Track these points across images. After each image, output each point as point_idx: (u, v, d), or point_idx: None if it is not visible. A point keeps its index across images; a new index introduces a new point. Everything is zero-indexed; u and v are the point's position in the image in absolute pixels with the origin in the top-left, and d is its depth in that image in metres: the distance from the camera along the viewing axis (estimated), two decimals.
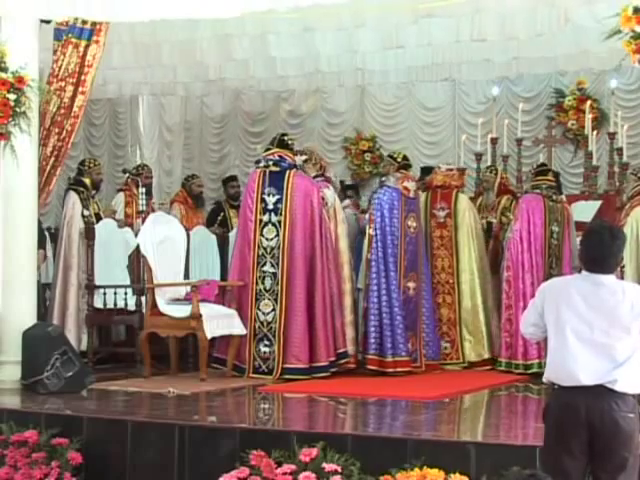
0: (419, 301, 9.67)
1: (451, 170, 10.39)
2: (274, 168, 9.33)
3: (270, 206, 9.25)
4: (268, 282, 9.22)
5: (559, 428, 4.92)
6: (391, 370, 9.24)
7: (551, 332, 5.00)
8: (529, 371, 9.44)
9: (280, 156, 9.36)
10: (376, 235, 9.38)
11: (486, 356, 9.98)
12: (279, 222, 9.23)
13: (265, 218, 9.27)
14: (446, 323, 10.03)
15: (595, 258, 4.96)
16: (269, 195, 9.27)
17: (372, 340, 9.28)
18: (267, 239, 9.24)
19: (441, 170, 10.35)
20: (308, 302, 9.14)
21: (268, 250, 9.25)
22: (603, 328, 4.86)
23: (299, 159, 9.56)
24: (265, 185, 9.30)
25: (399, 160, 9.87)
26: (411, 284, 9.54)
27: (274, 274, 9.20)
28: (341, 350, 9.25)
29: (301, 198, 9.20)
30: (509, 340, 9.61)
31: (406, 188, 9.64)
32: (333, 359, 9.17)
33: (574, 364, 4.86)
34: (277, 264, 9.21)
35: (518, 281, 9.61)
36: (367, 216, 9.64)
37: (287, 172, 9.28)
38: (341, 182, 12.23)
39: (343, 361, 9.28)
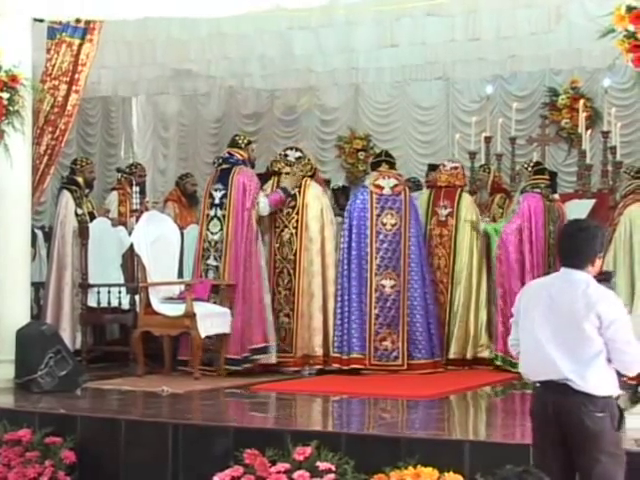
0: (401, 299, 9.52)
1: (456, 168, 10.35)
2: (224, 165, 9.62)
3: (217, 201, 9.56)
4: (211, 275, 9.46)
5: (536, 424, 4.98)
6: (345, 367, 9.22)
7: (522, 331, 5.02)
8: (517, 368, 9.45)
9: (230, 153, 9.67)
10: (343, 237, 9.47)
11: (485, 355, 9.85)
12: (223, 216, 9.50)
13: (212, 212, 9.58)
14: None
15: (563, 250, 4.97)
16: (216, 191, 9.58)
17: (335, 339, 9.32)
18: (212, 233, 9.54)
19: (445, 168, 10.29)
20: (241, 297, 9.32)
21: (212, 244, 9.53)
22: (565, 325, 4.83)
23: (292, 154, 9.72)
24: (214, 182, 9.64)
25: (372, 159, 9.98)
26: (387, 282, 9.46)
27: (217, 267, 9.44)
28: (256, 346, 9.29)
29: (240, 193, 9.45)
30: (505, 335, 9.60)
31: (378, 186, 9.60)
32: (246, 354, 9.24)
33: (541, 361, 4.86)
34: (219, 257, 9.44)
35: (511, 277, 9.60)
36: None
37: (233, 168, 9.55)
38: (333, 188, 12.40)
39: (259, 357, 9.32)
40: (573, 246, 4.92)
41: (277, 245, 9.59)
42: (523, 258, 9.65)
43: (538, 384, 4.97)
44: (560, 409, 4.81)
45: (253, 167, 9.79)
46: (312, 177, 9.77)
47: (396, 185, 9.67)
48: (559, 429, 4.82)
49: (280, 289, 9.54)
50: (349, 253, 9.43)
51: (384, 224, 9.52)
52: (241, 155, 9.62)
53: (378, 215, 9.51)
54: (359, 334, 9.32)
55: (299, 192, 9.61)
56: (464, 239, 9.98)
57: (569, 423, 4.79)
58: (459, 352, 9.86)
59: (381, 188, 9.60)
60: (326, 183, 12.89)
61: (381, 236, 9.49)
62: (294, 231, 9.57)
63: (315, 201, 9.61)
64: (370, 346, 9.36)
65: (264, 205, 9.47)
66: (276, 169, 9.77)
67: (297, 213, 9.58)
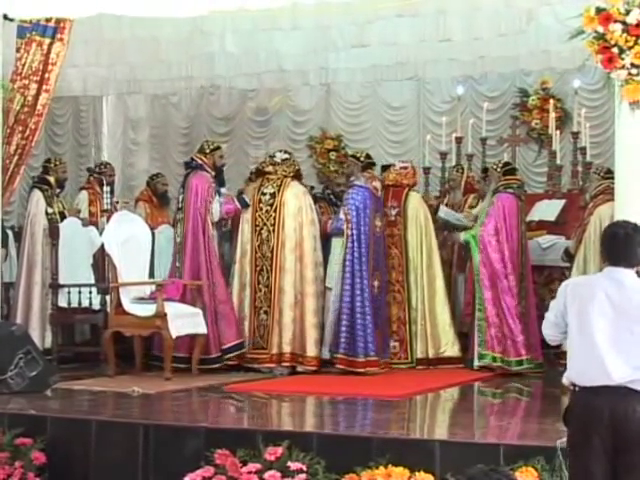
0: (383, 299, 9.71)
1: (405, 168, 10.36)
2: (187, 170, 9.99)
3: (180, 204, 9.91)
4: (178, 277, 9.68)
5: (583, 430, 4.85)
6: (362, 370, 9.28)
7: (574, 332, 4.94)
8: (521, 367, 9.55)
9: (192, 158, 10.03)
10: (352, 235, 9.50)
11: (450, 354, 9.94)
12: (181, 219, 9.81)
13: (178, 216, 9.98)
14: (396, 322, 9.91)
15: (613, 250, 4.95)
16: (179, 195, 9.98)
17: (342, 340, 9.34)
18: (177, 235, 9.88)
19: (395, 168, 10.35)
20: (207, 298, 9.53)
21: (178, 247, 9.83)
22: (627, 327, 4.81)
23: (280, 156, 9.94)
24: (181, 186, 10.01)
25: (362, 159, 9.95)
26: (376, 283, 9.59)
27: (179, 268, 9.73)
28: (228, 345, 9.47)
29: (193, 196, 9.68)
30: (500, 337, 9.63)
31: (375, 188, 9.73)
32: (219, 354, 9.45)
33: (599, 364, 4.80)
34: (180, 259, 9.73)
35: (497, 279, 9.65)
36: (342, 216, 9.67)
37: (191, 173, 9.84)
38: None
39: (231, 355, 9.48)
40: (625, 246, 4.92)
41: (257, 243, 9.68)
42: (503, 257, 9.69)
43: (585, 388, 4.88)
44: (616, 412, 4.75)
45: (219, 172, 10.00)
46: (296, 178, 9.86)
47: (380, 188, 9.87)
48: (611, 432, 4.76)
49: (260, 286, 9.64)
50: (360, 253, 9.50)
51: (376, 226, 9.69)
52: (202, 160, 9.84)
53: (374, 217, 9.66)
54: (373, 336, 9.38)
55: (278, 191, 9.70)
56: (413, 237, 10.05)
57: (626, 426, 4.74)
58: (424, 351, 9.92)
59: (377, 190, 9.76)
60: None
61: (375, 238, 9.66)
62: (271, 229, 9.66)
63: (293, 200, 9.68)
64: (380, 347, 9.49)
65: (216, 212, 9.70)
66: (262, 169, 9.98)
67: (275, 211, 9.67)
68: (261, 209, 9.70)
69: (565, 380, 5.06)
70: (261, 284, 9.63)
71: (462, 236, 10.04)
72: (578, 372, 4.93)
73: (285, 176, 9.78)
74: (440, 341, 9.96)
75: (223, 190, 10.00)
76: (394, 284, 9.97)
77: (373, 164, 10.08)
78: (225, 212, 9.73)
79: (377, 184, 9.80)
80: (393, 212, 10.10)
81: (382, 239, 9.78)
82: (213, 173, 9.86)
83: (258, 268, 9.65)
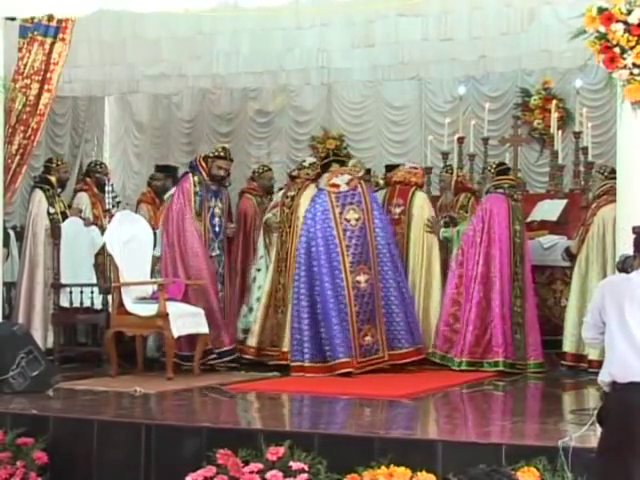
0: (375, 292, 9.50)
1: (415, 168, 10.40)
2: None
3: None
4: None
5: (623, 429, 4.82)
6: (334, 373, 9.15)
7: (614, 329, 4.94)
8: (460, 368, 9.49)
9: (196, 157, 10.31)
10: (300, 242, 9.50)
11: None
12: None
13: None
14: None
15: None
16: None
17: (298, 345, 9.27)
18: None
19: (405, 167, 10.36)
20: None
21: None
22: None
23: (308, 160, 10.42)
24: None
25: (320, 162, 10.13)
26: (362, 277, 9.44)
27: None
28: (224, 349, 9.82)
29: (176, 197, 9.90)
30: (448, 335, 9.64)
31: (334, 185, 9.62)
32: (214, 356, 9.72)
33: (637, 361, 4.81)
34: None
35: (470, 278, 9.64)
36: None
37: (188, 172, 10.14)
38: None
39: (227, 358, 9.79)
40: None
41: (280, 245, 9.89)
42: (488, 259, 9.67)
43: (624, 385, 4.86)
44: None
45: (215, 180, 10.02)
46: (314, 181, 9.92)
47: (351, 180, 9.67)
48: None
49: (280, 287, 9.85)
50: (309, 258, 9.39)
51: (348, 220, 9.54)
52: (199, 163, 9.94)
53: (341, 213, 9.52)
54: (343, 336, 9.25)
55: (297, 194, 9.92)
56: (416, 237, 10.00)
57: None
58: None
59: (337, 186, 9.62)
60: None
61: (348, 233, 9.49)
62: (288, 230, 9.82)
63: (307, 201, 9.72)
64: (355, 345, 9.36)
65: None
66: (292, 173, 10.39)
67: (292, 213, 9.85)
68: (284, 212, 9.94)
69: (602, 379, 5.03)
70: (280, 284, 9.81)
71: (442, 233, 10.03)
72: (618, 368, 4.91)
73: (307, 179, 9.93)
74: (431, 341, 9.85)
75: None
76: None
77: (337, 161, 9.99)
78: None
79: (340, 179, 9.65)
80: (397, 210, 10.06)
81: (366, 231, 9.54)
82: (207, 178, 9.92)
83: (279, 269, 9.85)
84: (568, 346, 9.65)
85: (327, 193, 9.58)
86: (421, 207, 10.14)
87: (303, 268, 9.36)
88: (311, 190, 9.82)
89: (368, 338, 9.43)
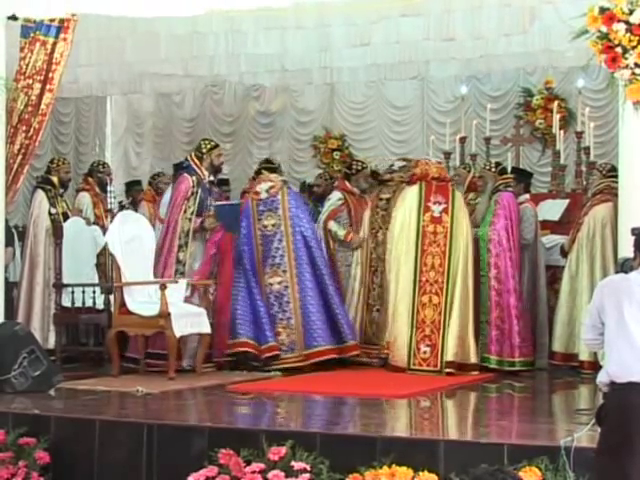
0: (289, 294, 9.77)
1: (440, 163, 10.47)
2: (179, 170, 10.39)
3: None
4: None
5: (621, 428, 4.81)
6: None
7: (612, 328, 4.94)
8: (515, 368, 9.50)
9: (186, 158, 10.27)
10: (237, 246, 9.83)
11: (474, 360, 9.39)
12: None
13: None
14: (429, 325, 9.31)
15: None
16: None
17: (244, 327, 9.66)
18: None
19: (432, 162, 10.11)
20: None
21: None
22: None
23: (397, 164, 10.44)
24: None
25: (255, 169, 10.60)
26: (275, 279, 9.77)
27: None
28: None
29: (173, 199, 9.89)
30: (500, 338, 9.58)
31: (256, 192, 9.99)
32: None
33: (638, 359, 4.81)
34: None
35: (508, 279, 9.65)
36: None
37: (182, 172, 10.08)
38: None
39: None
40: None
41: (373, 245, 10.06)
42: (511, 256, 9.69)
43: (623, 385, 4.86)
44: None
45: (218, 171, 10.11)
46: (408, 183, 9.90)
47: (272, 187, 9.99)
48: None
49: (374, 286, 10.02)
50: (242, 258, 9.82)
51: (265, 226, 9.90)
52: (193, 161, 9.87)
53: (259, 219, 9.90)
54: (270, 327, 9.66)
55: (392, 196, 10.06)
56: (460, 237, 9.50)
57: None
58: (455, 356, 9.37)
59: (258, 194, 9.99)
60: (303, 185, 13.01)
61: (265, 238, 9.87)
62: (385, 231, 9.97)
63: (401, 202, 9.82)
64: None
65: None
66: (381, 176, 10.45)
67: (388, 215, 9.98)
68: (377, 213, 10.09)
69: (600, 379, 5.03)
70: (375, 284, 10.01)
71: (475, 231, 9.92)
72: (617, 368, 4.91)
73: (401, 181, 9.99)
74: (469, 347, 9.41)
75: (216, 189, 10.16)
76: (432, 285, 9.39)
77: (267, 168, 10.57)
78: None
79: (262, 186, 9.99)
80: (438, 208, 9.55)
81: (281, 235, 9.80)
82: (207, 173, 9.83)
83: (373, 269, 10.04)
84: (557, 346, 9.63)
85: (251, 200, 9.98)
86: (461, 207, 9.63)
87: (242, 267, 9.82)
88: (404, 191, 9.87)
89: (282, 337, 9.68)
